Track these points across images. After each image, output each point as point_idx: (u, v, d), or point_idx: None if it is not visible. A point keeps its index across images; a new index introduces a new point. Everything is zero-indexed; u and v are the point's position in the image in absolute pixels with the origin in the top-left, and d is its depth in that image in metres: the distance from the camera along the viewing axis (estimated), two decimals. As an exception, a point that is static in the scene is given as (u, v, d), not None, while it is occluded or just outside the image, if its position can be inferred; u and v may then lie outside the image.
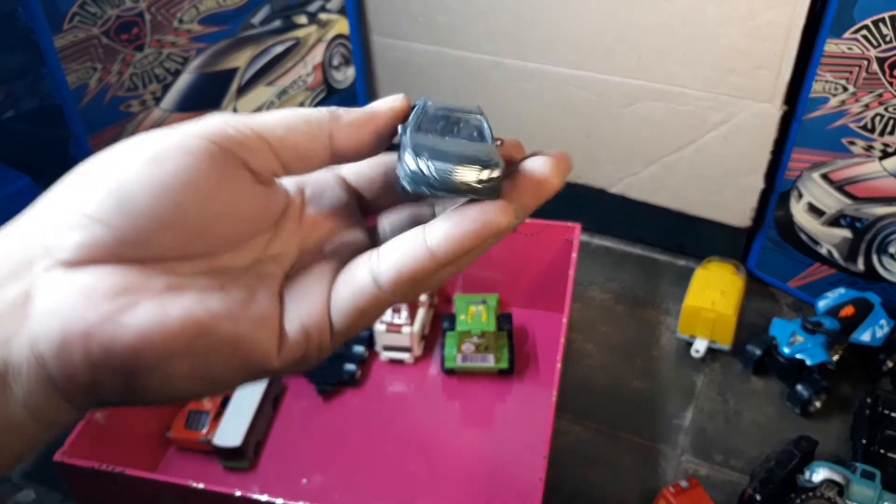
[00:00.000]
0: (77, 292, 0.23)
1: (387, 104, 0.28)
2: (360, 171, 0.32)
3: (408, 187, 0.25)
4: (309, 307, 0.26)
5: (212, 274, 0.25)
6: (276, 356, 0.25)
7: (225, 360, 0.24)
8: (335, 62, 1.16)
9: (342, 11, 1.12)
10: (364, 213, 0.32)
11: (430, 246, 0.25)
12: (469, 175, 0.25)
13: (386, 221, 0.31)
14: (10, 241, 0.24)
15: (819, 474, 0.75)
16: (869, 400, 0.85)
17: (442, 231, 0.25)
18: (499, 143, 0.29)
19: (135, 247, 0.23)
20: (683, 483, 0.77)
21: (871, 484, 0.74)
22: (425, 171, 0.25)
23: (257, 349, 0.25)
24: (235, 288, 0.25)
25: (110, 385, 0.23)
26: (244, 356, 0.25)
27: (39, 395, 0.23)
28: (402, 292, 0.26)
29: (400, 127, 0.28)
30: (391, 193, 0.31)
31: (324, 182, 0.31)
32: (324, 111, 0.28)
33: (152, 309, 0.23)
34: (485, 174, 0.25)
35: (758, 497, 0.76)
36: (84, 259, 0.23)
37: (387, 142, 0.29)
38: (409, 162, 0.25)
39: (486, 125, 0.29)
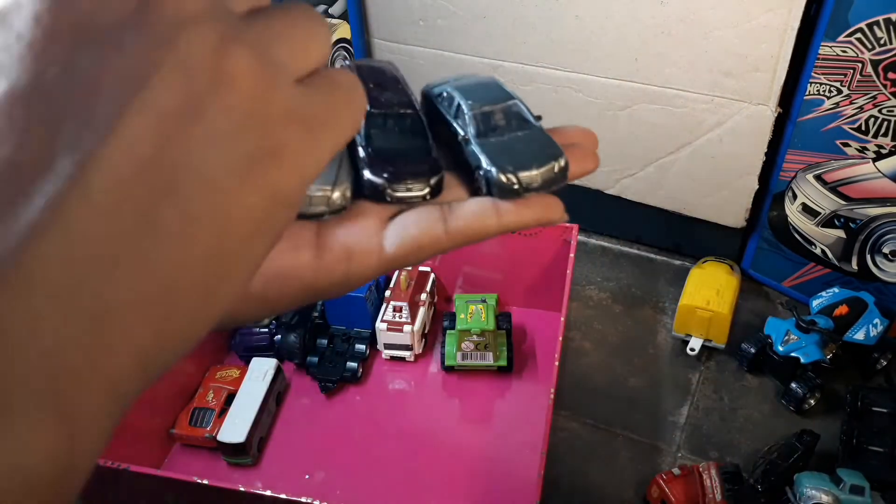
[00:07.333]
0: None
1: None
2: None
3: (498, 196, 0.29)
4: (354, 232, 0.28)
5: None
6: (313, 269, 0.27)
7: (263, 277, 0.26)
8: (337, 66, 1.17)
9: (344, 16, 1.14)
10: None
11: (500, 217, 0.29)
12: (548, 174, 0.30)
13: None
14: None
15: (807, 496, 0.74)
16: (848, 396, 0.87)
17: (513, 212, 0.29)
18: (540, 118, 0.33)
19: None
20: (676, 471, 0.78)
21: (860, 500, 0.73)
22: (515, 184, 0.29)
23: (289, 262, 0.27)
24: None
25: None
26: (277, 269, 0.27)
27: None
28: (459, 243, 0.29)
29: (461, 129, 0.32)
30: None
31: None
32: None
33: None
34: (557, 169, 0.30)
35: (759, 488, 0.78)
36: None
37: None
38: (501, 177, 0.29)
39: (523, 108, 0.33)
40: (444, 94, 0.34)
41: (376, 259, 0.28)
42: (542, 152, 0.31)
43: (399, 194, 0.29)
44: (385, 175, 0.29)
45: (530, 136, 0.32)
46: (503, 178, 0.29)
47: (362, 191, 0.29)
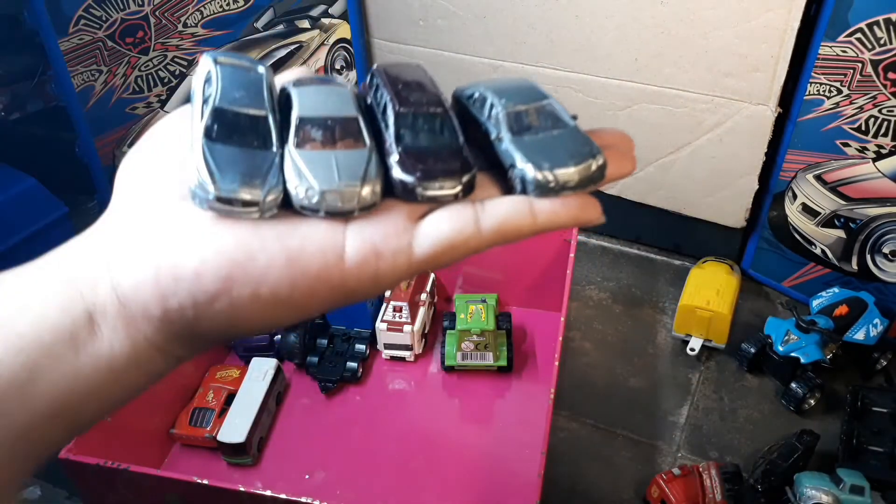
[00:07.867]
0: (144, 239, 0.27)
1: None
2: None
3: (534, 195, 0.28)
4: (383, 230, 0.27)
5: None
6: (341, 270, 0.27)
7: (289, 278, 0.26)
8: (338, 65, 1.18)
9: (344, 16, 1.14)
10: None
11: (535, 216, 0.28)
12: (585, 172, 0.29)
13: None
14: (86, 238, 0.28)
15: (807, 496, 0.74)
16: (848, 396, 0.87)
17: (549, 211, 0.28)
18: (576, 118, 0.32)
19: None
20: (676, 471, 0.78)
21: (860, 500, 0.73)
22: (552, 182, 0.28)
23: (317, 264, 0.26)
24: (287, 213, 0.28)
25: (179, 316, 0.26)
26: (304, 268, 0.26)
27: (124, 335, 0.27)
28: (492, 243, 0.28)
29: (494, 128, 0.31)
30: None
31: None
32: None
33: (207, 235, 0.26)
34: (595, 168, 0.29)
35: (759, 488, 0.78)
36: None
37: None
38: (536, 175, 0.28)
39: (557, 107, 0.32)
40: (476, 96, 0.33)
41: (406, 259, 0.27)
42: (579, 150, 0.29)
43: (430, 193, 0.28)
44: (417, 173, 0.28)
45: (566, 135, 0.31)
46: (539, 176, 0.28)
47: (392, 190, 0.28)
